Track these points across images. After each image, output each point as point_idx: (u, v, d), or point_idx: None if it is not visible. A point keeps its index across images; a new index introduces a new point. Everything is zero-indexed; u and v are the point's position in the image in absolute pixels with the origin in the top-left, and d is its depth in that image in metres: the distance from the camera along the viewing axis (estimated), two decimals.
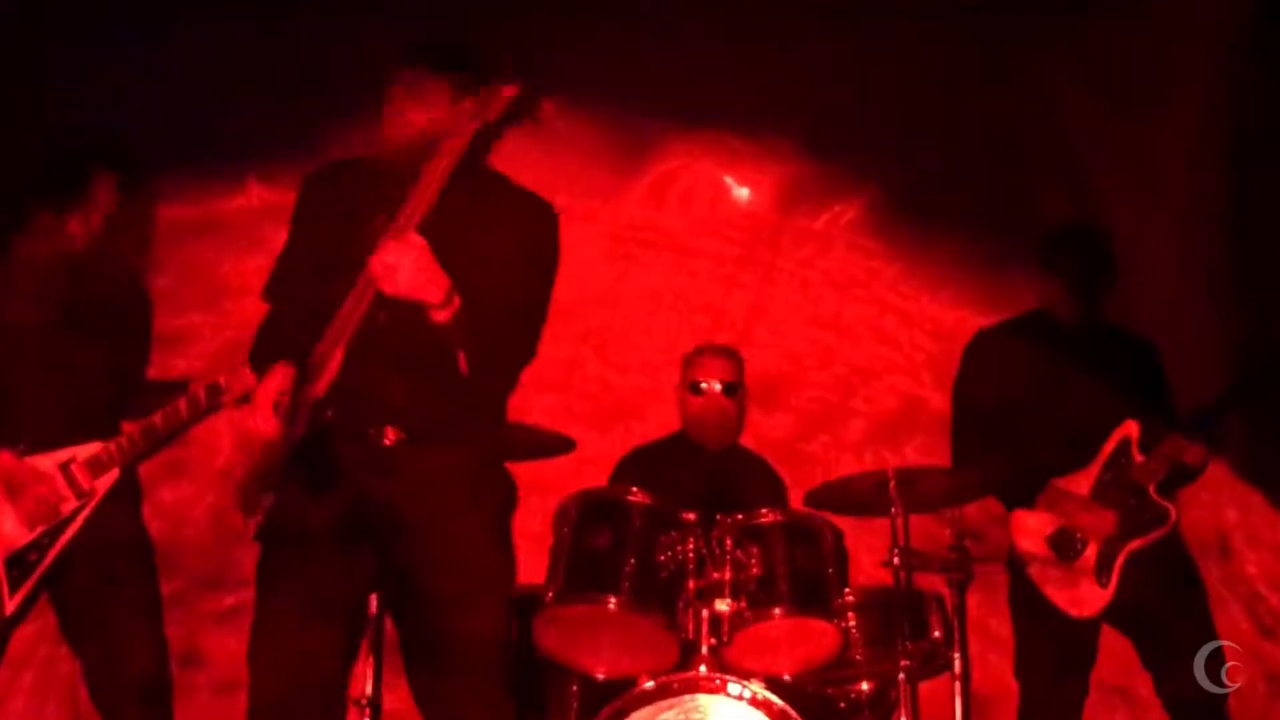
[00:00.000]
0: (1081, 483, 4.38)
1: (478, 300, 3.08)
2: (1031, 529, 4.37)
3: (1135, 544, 4.26)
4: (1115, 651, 4.54)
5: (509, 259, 3.28)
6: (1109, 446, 4.37)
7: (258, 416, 3.15)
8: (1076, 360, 4.46)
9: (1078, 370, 4.44)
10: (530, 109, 3.22)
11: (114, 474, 4.01)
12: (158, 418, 4.02)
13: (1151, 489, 4.28)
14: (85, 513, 3.96)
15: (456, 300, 3.02)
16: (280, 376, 3.16)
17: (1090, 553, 4.28)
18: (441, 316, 3.03)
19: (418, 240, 2.97)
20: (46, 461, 3.96)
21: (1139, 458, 4.32)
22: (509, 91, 3.10)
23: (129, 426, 4.05)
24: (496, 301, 3.16)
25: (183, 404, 4.03)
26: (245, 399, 4.07)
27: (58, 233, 4.08)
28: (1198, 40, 5.39)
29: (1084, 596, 4.27)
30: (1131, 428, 4.35)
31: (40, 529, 3.92)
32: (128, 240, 4.19)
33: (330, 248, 3.25)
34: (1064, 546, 4.31)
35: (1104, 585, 4.24)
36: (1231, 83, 5.31)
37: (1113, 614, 4.34)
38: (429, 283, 2.99)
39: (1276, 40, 5.13)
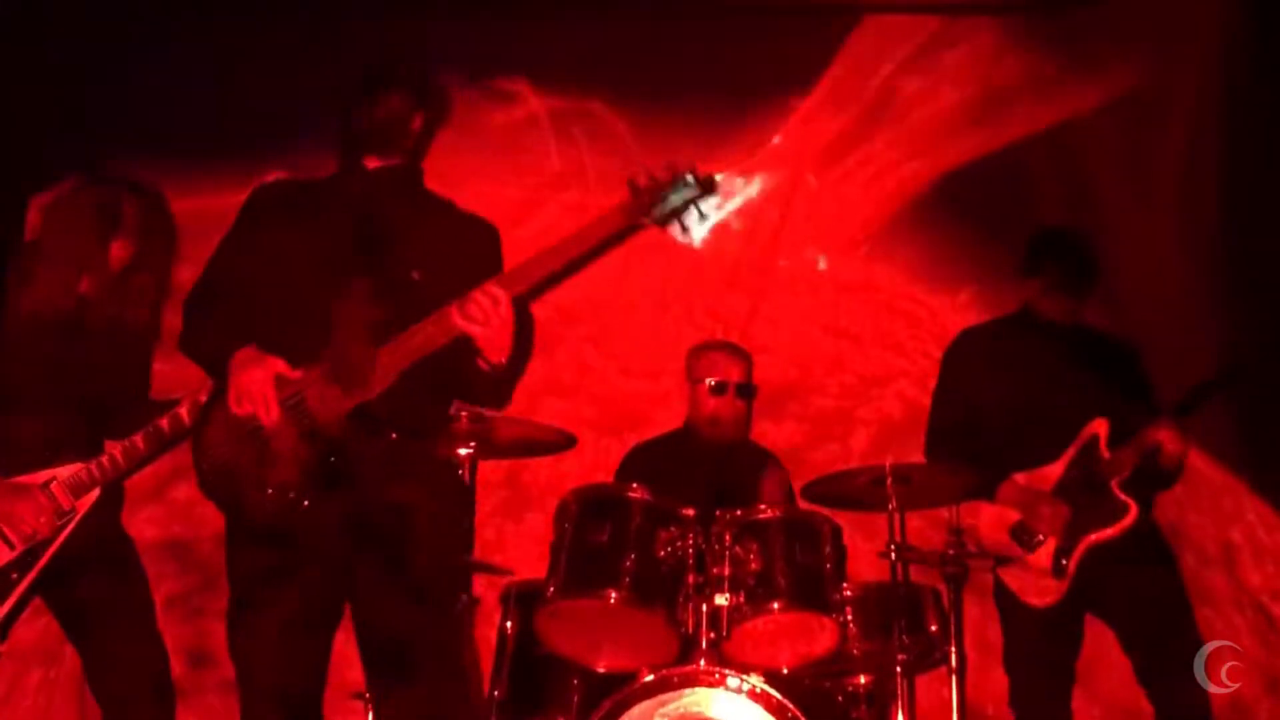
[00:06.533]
0: (1047, 477, 4.44)
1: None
2: (993, 522, 4.45)
3: (1093, 538, 4.30)
4: (1117, 664, 4.55)
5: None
6: (1077, 443, 4.43)
7: (255, 397, 3.22)
8: (1058, 359, 4.51)
9: (1059, 369, 4.49)
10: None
11: (95, 494, 4.02)
12: (139, 438, 4.01)
13: (1114, 484, 4.32)
14: (66, 532, 3.98)
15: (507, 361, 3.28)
16: (273, 364, 3.25)
17: (1049, 545, 4.34)
18: (487, 367, 3.28)
19: (507, 300, 3.18)
20: (27, 482, 3.97)
21: (1106, 454, 4.36)
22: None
23: (111, 446, 4.04)
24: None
25: (164, 423, 4.02)
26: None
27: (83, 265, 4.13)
28: (1194, 41, 5.44)
29: (1042, 587, 4.34)
30: (1100, 425, 4.40)
31: (21, 548, 3.93)
32: (149, 273, 4.23)
33: (294, 258, 3.40)
34: (1023, 539, 4.38)
35: (1060, 577, 4.30)
36: (1227, 83, 5.36)
37: (1093, 604, 4.40)
38: (502, 340, 3.24)
39: (1271, 40, 5.18)
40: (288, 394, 3.26)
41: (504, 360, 3.29)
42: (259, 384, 3.23)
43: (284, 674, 3.32)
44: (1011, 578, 4.42)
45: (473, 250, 3.46)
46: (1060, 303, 4.59)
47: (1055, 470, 4.44)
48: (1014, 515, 4.44)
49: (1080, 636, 4.47)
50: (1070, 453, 4.44)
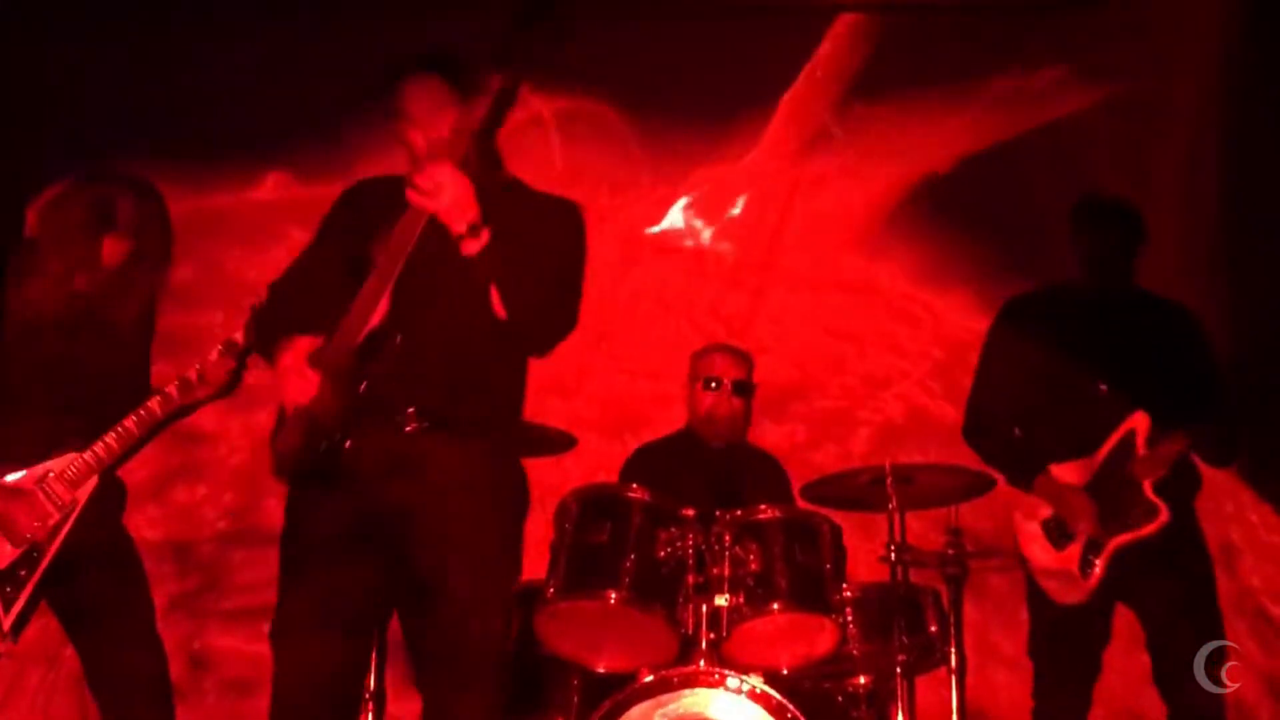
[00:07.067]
0: (1081, 471, 4.33)
1: (509, 243, 3.20)
2: (1027, 514, 4.38)
3: (1122, 538, 4.20)
4: (1125, 670, 4.56)
5: (540, 239, 3.38)
6: (1115, 437, 4.30)
7: (289, 384, 3.23)
8: (1106, 328, 4.40)
9: (1103, 350, 4.37)
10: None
11: (93, 482, 4.01)
12: (131, 421, 4.01)
13: (1147, 485, 4.21)
14: (69, 524, 3.97)
15: (486, 233, 3.14)
16: (301, 345, 3.25)
17: (1079, 542, 4.25)
18: (472, 248, 3.14)
19: (450, 164, 3.12)
20: (24, 478, 3.96)
21: (1142, 451, 4.25)
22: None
23: (105, 434, 4.02)
24: (529, 247, 3.26)
25: (155, 403, 4.03)
26: (228, 388, 4.19)
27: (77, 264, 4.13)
28: (1194, 41, 5.45)
29: (1070, 584, 4.25)
30: (1140, 420, 4.27)
31: (26, 545, 3.94)
32: (145, 271, 4.23)
33: (356, 254, 3.34)
34: (1055, 534, 4.31)
35: (1086, 576, 4.21)
36: (1227, 83, 5.36)
37: (1125, 596, 4.32)
38: (463, 205, 3.12)
39: (1271, 40, 5.19)
40: (321, 361, 3.27)
41: (477, 222, 3.15)
42: (293, 367, 3.24)
43: (318, 676, 3.27)
44: (1040, 574, 4.33)
45: (546, 230, 3.43)
46: (1106, 269, 4.47)
47: (1092, 463, 4.33)
48: (1047, 509, 4.35)
49: (1109, 628, 4.37)
50: (1108, 447, 4.31)
